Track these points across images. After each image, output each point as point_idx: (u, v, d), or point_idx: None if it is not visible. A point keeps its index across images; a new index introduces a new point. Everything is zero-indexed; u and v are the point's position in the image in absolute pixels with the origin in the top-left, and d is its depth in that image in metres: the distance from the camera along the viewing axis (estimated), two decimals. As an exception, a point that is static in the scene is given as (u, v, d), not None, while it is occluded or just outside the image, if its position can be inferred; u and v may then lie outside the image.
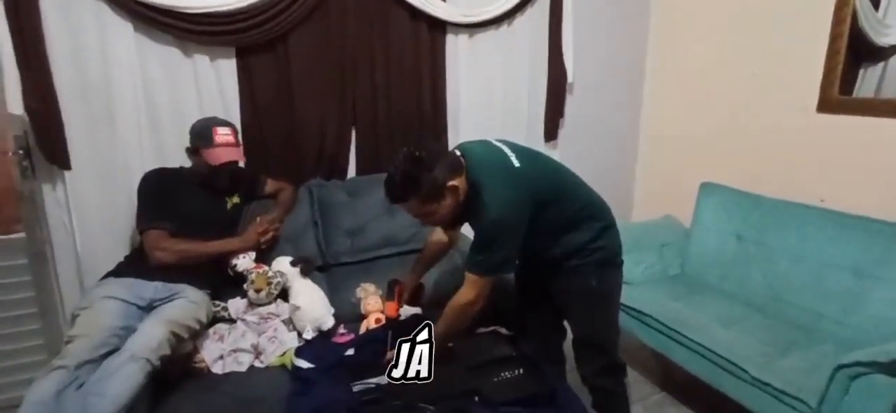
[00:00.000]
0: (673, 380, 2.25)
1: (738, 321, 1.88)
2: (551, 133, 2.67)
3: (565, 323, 1.67)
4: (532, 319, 1.66)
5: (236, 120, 2.04)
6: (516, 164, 1.33)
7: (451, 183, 1.31)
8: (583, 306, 1.50)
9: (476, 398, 1.34)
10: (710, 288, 2.18)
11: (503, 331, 1.66)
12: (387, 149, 2.34)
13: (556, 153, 2.74)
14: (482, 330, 1.68)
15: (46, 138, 1.72)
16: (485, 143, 1.43)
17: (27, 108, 1.67)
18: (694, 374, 1.87)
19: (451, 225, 1.46)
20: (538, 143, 2.69)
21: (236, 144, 1.78)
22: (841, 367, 1.41)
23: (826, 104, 2.04)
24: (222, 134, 1.73)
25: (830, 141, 2.05)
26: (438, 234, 1.71)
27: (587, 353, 1.52)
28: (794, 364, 1.61)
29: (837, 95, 2.00)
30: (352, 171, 2.36)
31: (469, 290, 1.36)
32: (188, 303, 1.53)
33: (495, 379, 1.41)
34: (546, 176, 1.39)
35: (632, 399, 1.60)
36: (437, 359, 1.42)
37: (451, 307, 1.40)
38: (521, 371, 1.45)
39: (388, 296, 1.60)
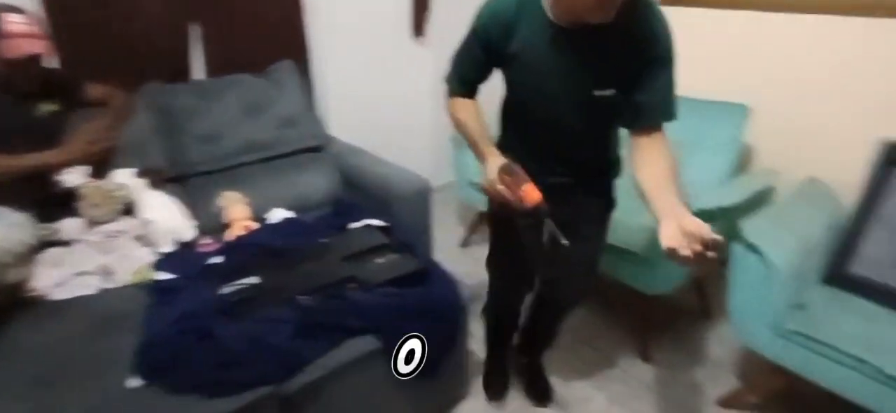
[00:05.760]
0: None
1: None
2: (419, 27, 2.61)
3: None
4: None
5: (36, 8, 1.67)
6: None
7: None
8: (594, 226, 1.44)
9: (353, 284, 1.37)
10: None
11: (376, 222, 1.70)
12: (245, 48, 2.11)
13: (426, 52, 2.71)
14: (354, 225, 1.71)
15: None
16: None
17: None
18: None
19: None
20: (405, 40, 2.62)
21: (38, 36, 1.47)
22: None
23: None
24: (14, 20, 1.41)
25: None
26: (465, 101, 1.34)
27: (580, 271, 1.47)
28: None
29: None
30: (200, 74, 2.11)
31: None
32: (6, 226, 1.30)
33: (369, 265, 1.46)
34: None
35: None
36: (314, 254, 1.43)
37: None
38: (395, 255, 1.51)
39: (519, 180, 1.13)
